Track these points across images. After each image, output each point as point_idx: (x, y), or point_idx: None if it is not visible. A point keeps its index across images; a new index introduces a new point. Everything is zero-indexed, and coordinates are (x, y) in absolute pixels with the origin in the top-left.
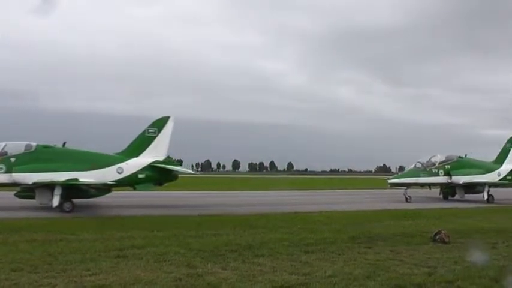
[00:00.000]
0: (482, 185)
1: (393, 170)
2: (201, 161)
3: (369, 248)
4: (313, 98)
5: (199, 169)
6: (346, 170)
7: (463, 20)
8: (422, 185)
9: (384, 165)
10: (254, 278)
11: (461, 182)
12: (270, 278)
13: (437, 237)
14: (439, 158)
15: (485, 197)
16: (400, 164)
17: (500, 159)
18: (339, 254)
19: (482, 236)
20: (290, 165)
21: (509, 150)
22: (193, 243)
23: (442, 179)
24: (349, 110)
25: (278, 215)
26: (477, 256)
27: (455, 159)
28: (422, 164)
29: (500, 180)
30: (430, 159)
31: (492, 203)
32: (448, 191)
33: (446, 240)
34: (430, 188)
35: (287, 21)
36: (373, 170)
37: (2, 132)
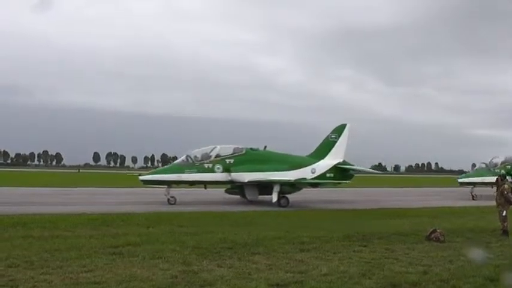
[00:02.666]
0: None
1: (388, 169)
2: None
3: (364, 246)
4: (309, 95)
5: None
6: None
7: (460, 20)
8: (192, 184)
9: (380, 163)
10: (250, 276)
11: (245, 181)
12: (266, 276)
13: (433, 236)
14: (500, 159)
15: (274, 199)
16: (395, 163)
17: (321, 153)
18: (334, 253)
19: (477, 235)
20: None
21: (335, 142)
22: (188, 240)
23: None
24: (345, 107)
25: (273, 212)
26: (472, 255)
27: (243, 151)
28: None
29: (316, 178)
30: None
31: (285, 206)
32: (235, 191)
33: (442, 239)
34: (205, 188)
35: (284, 19)
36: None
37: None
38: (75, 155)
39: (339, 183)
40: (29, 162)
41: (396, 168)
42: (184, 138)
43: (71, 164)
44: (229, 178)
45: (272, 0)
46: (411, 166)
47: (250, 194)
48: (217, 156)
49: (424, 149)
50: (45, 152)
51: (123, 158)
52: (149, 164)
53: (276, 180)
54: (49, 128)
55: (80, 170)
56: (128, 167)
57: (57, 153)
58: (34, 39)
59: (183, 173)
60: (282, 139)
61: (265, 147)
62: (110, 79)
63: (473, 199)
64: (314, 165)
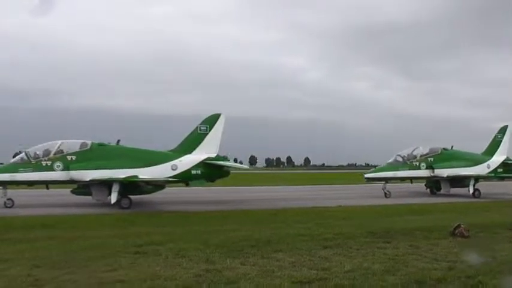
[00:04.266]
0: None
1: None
2: None
3: (388, 242)
4: (331, 93)
5: None
6: (364, 164)
7: (480, 14)
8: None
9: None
10: (273, 273)
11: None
12: (289, 273)
13: (457, 231)
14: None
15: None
16: None
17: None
18: (358, 249)
19: (501, 230)
20: (307, 160)
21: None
22: (212, 239)
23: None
24: (367, 104)
25: (296, 210)
26: (496, 250)
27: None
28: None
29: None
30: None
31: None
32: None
33: (466, 234)
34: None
35: (305, 18)
36: None
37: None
38: None
39: (212, 180)
40: None
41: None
42: None
43: None
44: (69, 177)
45: (292, 0)
46: None
47: (96, 195)
48: (58, 152)
49: (448, 143)
50: None
51: None
52: None
53: (116, 178)
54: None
55: None
56: None
57: None
58: (60, 44)
59: (18, 172)
60: (305, 137)
61: (119, 141)
62: (122, 82)
63: (386, 197)
64: (176, 161)
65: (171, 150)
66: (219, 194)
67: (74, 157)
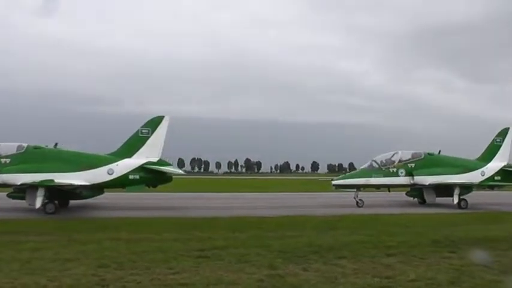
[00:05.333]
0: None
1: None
2: (280, 162)
3: (453, 252)
4: (393, 97)
5: (278, 171)
6: None
7: None
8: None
9: None
10: (336, 280)
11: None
12: (352, 280)
13: None
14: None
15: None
16: None
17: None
18: (422, 258)
19: None
20: None
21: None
22: (274, 244)
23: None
24: (430, 108)
25: (358, 216)
26: None
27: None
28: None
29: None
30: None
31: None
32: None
33: None
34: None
35: (366, 21)
36: None
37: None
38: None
39: (154, 186)
40: None
41: None
42: (268, 143)
43: None
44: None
45: (352, 4)
46: None
47: (29, 199)
48: None
49: None
50: None
51: (207, 164)
52: (233, 169)
53: (34, 183)
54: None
55: None
56: (211, 172)
57: None
58: (119, 53)
59: None
60: (367, 141)
61: (56, 144)
62: (191, 87)
63: (358, 206)
64: (112, 165)
65: (111, 154)
66: (278, 200)
67: (7, 160)
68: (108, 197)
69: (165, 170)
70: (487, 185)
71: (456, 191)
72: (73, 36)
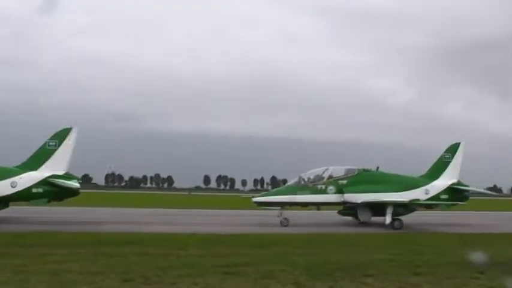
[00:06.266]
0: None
1: (504, 191)
2: None
3: (481, 273)
4: (421, 115)
5: None
6: None
7: None
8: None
9: (495, 185)
10: None
11: (359, 202)
12: None
13: None
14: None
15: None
16: None
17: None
18: (449, 278)
19: None
20: None
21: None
22: (299, 261)
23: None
24: (459, 126)
25: (386, 235)
26: None
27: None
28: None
29: (430, 199)
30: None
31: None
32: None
33: None
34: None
35: (392, 38)
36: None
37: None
38: (186, 178)
39: (60, 200)
40: (141, 185)
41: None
42: (294, 161)
43: (181, 187)
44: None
45: (378, 21)
46: None
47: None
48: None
49: None
50: (157, 175)
51: (233, 181)
52: (259, 187)
53: None
54: (161, 152)
55: (191, 192)
56: (237, 190)
57: (168, 176)
58: (145, 69)
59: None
60: (396, 161)
61: None
62: (218, 105)
63: (282, 225)
64: (15, 178)
65: (17, 166)
66: (306, 216)
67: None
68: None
69: (59, 183)
70: (431, 203)
71: (389, 210)
72: (100, 53)
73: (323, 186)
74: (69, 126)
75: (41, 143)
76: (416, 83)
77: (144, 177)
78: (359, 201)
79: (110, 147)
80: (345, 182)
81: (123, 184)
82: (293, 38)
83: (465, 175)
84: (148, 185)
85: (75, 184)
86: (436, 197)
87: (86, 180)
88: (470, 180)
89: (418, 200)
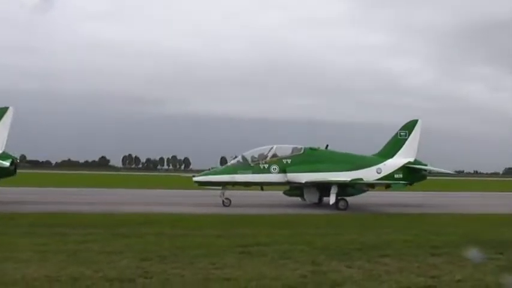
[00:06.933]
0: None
1: None
2: None
3: (501, 254)
4: (441, 97)
5: None
6: (472, 171)
7: None
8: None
9: None
10: (380, 278)
11: (303, 181)
12: (396, 278)
13: None
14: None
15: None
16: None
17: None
18: (468, 259)
19: None
20: None
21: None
22: (317, 241)
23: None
24: (479, 108)
25: (403, 215)
26: None
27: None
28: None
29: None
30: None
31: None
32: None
33: None
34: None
35: (413, 17)
36: (501, 172)
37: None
38: (202, 160)
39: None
40: (158, 167)
41: None
42: (311, 142)
43: (198, 169)
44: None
45: (400, 1)
46: None
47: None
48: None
49: None
50: (174, 157)
51: None
52: None
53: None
54: (178, 135)
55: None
56: None
57: (185, 157)
58: (164, 54)
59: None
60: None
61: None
62: (235, 88)
63: (224, 205)
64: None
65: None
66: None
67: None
68: (149, 194)
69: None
70: (383, 183)
71: (333, 190)
72: (119, 37)
73: (266, 166)
74: (5, 106)
75: None
76: (437, 63)
77: (161, 159)
78: (303, 181)
79: (127, 131)
80: (289, 161)
81: (139, 166)
82: (311, 20)
83: (484, 155)
84: (165, 167)
85: (3, 163)
86: (389, 176)
87: (103, 162)
88: (489, 161)
89: (368, 179)
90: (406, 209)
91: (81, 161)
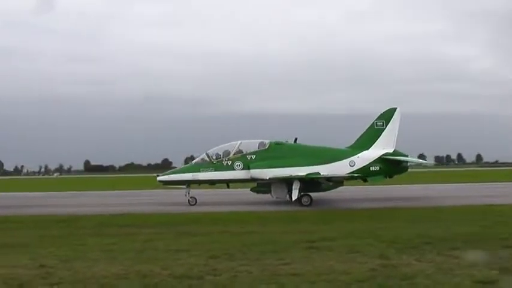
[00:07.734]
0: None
1: None
2: None
3: None
4: (502, 84)
5: None
6: None
7: None
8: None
9: None
10: (452, 271)
11: (267, 178)
12: (469, 272)
13: None
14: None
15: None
16: None
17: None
18: None
19: None
20: (479, 157)
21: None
22: (384, 235)
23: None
24: None
25: (468, 207)
26: None
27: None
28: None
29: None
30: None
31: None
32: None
33: None
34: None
35: (471, 2)
36: None
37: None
38: None
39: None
40: None
41: None
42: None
43: None
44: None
45: None
46: None
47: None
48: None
49: None
50: None
51: None
52: None
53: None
54: (234, 134)
55: None
56: None
57: None
58: (213, 56)
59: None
60: (477, 132)
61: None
62: (281, 85)
63: (190, 204)
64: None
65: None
66: (385, 191)
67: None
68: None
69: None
70: (357, 177)
71: (295, 186)
72: (169, 42)
73: (229, 162)
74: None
75: None
76: (496, 49)
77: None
78: (267, 177)
79: (187, 132)
80: (253, 156)
81: None
82: (357, 11)
83: None
84: None
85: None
86: (364, 169)
87: (166, 164)
88: None
89: (340, 173)
90: (471, 201)
91: (144, 164)
